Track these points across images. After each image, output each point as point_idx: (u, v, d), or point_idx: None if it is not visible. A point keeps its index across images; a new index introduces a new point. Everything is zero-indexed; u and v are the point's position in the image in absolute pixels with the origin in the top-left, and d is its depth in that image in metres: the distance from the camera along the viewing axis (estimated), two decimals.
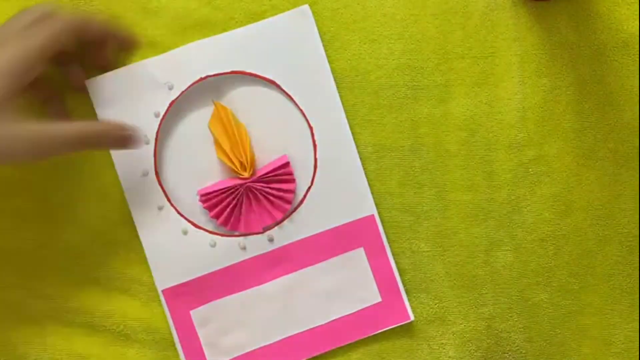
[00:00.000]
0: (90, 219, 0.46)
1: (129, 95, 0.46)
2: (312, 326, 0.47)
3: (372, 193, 0.47)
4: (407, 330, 0.47)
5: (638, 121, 0.47)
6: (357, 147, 0.47)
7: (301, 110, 0.47)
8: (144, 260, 0.46)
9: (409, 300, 0.47)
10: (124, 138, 0.42)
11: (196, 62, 0.46)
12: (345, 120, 0.47)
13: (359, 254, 0.47)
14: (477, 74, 0.47)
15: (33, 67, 0.39)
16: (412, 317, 0.47)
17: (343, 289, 0.47)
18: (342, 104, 0.47)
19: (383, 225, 0.47)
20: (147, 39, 0.46)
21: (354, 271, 0.47)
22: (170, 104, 0.46)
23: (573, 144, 0.48)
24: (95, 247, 0.46)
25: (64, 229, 0.46)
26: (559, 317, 0.47)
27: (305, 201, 0.47)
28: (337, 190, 0.47)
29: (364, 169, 0.47)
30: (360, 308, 0.47)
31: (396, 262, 0.47)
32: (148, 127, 0.46)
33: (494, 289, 0.47)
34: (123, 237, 0.46)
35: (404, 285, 0.47)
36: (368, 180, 0.47)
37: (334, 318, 0.47)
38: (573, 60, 0.48)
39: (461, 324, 0.47)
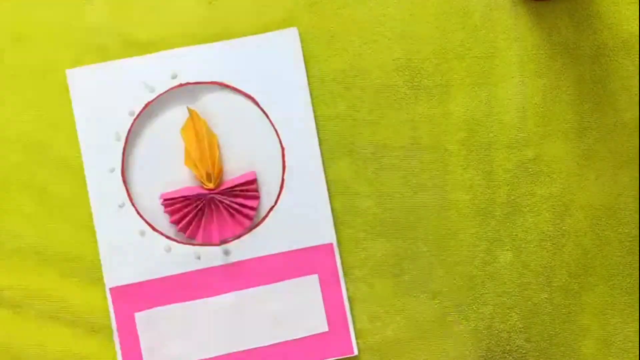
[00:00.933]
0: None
1: (108, 91, 0.46)
2: (255, 346, 0.46)
3: (372, 193, 0.47)
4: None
5: (638, 121, 0.47)
6: (357, 147, 0.47)
7: (275, 130, 0.47)
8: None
9: (405, 300, 0.47)
10: None
11: (179, 68, 0.46)
12: (318, 148, 0.47)
13: (313, 280, 0.46)
14: (477, 74, 0.47)
15: None
16: (356, 352, 0.46)
17: (292, 313, 0.46)
18: (342, 104, 0.47)
19: (381, 227, 0.47)
20: (133, 37, 0.47)
21: (305, 297, 0.46)
22: (146, 105, 0.46)
23: (573, 144, 0.48)
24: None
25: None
26: (559, 317, 0.47)
27: (266, 220, 0.46)
28: (299, 214, 0.46)
29: (364, 170, 0.47)
30: (305, 335, 0.46)
31: (399, 262, 0.47)
32: (121, 124, 0.46)
33: (494, 289, 0.47)
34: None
35: (353, 318, 0.47)
36: (367, 183, 0.47)
37: (278, 341, 0.46)
38: (573, 60, 0.48)
39: (461, 324, 0.47)
